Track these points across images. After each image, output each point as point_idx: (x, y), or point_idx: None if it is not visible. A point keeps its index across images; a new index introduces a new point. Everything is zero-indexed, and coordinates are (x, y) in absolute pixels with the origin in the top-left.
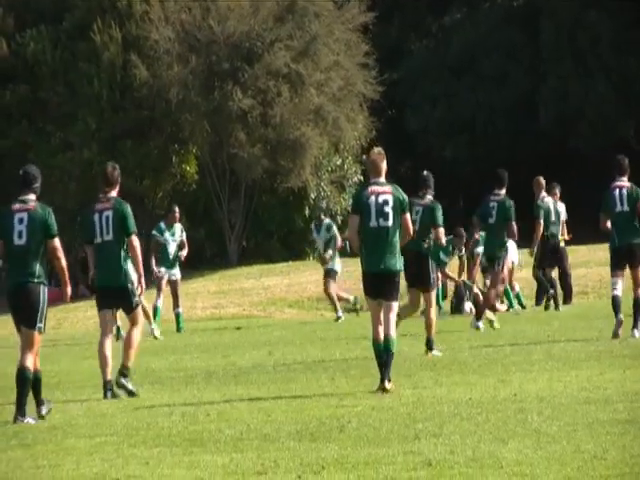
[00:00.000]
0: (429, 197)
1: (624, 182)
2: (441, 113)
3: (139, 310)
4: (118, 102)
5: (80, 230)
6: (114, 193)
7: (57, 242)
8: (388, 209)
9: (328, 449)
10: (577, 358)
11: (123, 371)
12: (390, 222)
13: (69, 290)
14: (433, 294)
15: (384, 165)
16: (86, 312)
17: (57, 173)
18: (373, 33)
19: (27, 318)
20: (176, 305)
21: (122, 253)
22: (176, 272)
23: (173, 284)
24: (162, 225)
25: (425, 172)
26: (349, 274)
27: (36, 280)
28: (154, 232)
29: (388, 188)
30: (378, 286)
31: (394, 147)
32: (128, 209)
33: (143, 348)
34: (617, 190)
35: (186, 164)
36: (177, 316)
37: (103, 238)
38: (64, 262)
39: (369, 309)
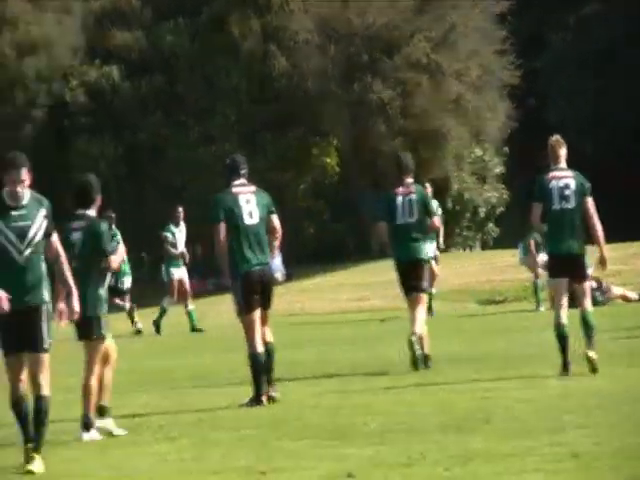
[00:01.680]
0: None
1: None
2: (580, 107)
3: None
4: (257, 94)
5: None
6: (411, 180)
7: (276, 219)
8: (569, 192)
9: (474, 441)
10: None
11: None
12: (572, 204)
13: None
14: None
15: (563, 151)
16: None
17: (198, 166)
18: (511, 24)
19: (268, 299)
20: (187, 304)
21: (420, 233)
22: (185, 271)
23: (184, 284)
24: (172, 226)
25: None
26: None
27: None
28: (165, 233)
29: (569, 173)
30: (565, 267)
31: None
32: (428, 194)
33: (283, 341)
34: None
35: (327, 156)
36: (190, 314)
37: (405, 220)
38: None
39: (554, 292)
